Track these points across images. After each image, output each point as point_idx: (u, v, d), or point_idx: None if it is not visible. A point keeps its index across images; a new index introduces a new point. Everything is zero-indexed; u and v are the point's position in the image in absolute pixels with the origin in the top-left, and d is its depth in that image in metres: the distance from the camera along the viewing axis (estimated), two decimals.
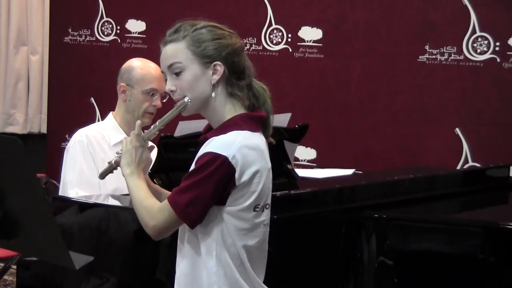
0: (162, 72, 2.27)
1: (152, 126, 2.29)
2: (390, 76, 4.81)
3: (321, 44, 4.99)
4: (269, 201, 2.24)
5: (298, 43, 5.06)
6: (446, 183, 3.67)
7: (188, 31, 2.21)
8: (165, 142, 3.04)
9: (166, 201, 2.14)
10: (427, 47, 4.68)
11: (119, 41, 5.74)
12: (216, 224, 2.14)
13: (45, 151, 6.10)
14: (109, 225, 2.85)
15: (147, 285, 2.83)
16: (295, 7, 5.05)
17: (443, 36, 4.64)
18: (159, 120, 2.28)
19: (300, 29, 5.05)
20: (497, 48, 4.51)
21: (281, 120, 3.41)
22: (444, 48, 4.64)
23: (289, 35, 5.08)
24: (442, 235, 3.05)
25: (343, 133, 4.94)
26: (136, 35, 5.66)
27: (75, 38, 5.90)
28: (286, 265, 2.82)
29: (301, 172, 3.67)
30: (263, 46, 5.10)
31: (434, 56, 4.67)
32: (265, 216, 2.23)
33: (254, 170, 2.13)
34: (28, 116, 6.26)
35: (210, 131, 2.22)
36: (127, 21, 5.70)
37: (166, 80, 2.25)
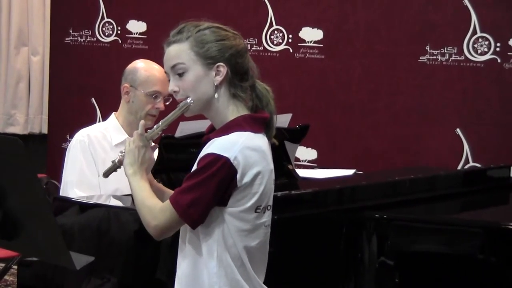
0: (165, 72, 2.26)
1: (155, 126, 2.30)
2: (390, 76, 4.81)
3: (321, 45, 4.99)
4: (270, 203, 2.24)
5: (298, 44, 5.06)
6: (446, 183, 3.67)
7: (192, 32, 2.21)
8: (166, 142, 3.04)
9: (168, 202, 2.14)
10: (427, 48, 4.68)
11: (120, 41, 5.74)
12: (217, 224, 2.15)
13: (46, 151, 6.10)
14: (110, 225, 2.85)
15: (147, 285, 2.83)
16: (295, 7, 5.06)
17: (443, 36, 4.64)
18: (162, 120, 2.29)
19: (300, 29, 5.05)
20: (497, 49, 4.51)
21: (282, 120, 3.40)
22: (445, 48, 4.64)
23: (290, 36, 5.08)
24: (443, 235, 3.05)
25: (343, 133, 4.94)
26: (137, 35, 5.66)
27: (75, 38, 5.91)
28: (287, 266, 2.83)
29: (302, 173, 3.67)
30: (264, 46, 5.10)
31: (434, 57, 4.67)
32: (267, 217, 2.23)
33: (255, 171, 2.13)
34: (28, 116, 6.26)
35: (213, 132, 2.22)
36: (128, 22, 5.70)
37: (169, 80, 2.25)
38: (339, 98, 4.95)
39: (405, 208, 3.24)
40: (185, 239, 2.21)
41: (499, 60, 4.51)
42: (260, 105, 2.25)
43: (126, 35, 5.70)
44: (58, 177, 3.90)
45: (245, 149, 2.12)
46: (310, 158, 5.06)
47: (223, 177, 2.10)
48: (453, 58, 4.62)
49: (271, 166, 2.21)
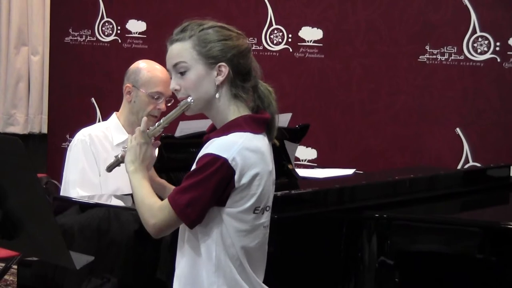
0: (167, 70, 2.26)
1: (156, 124, 2.31)
2: (390, 76, 4.81)
3: (321, 44, 4.99)
4: (269, 204, 2.24)
5: (298, 43, 5.06)
6: (446, 183, 3.67)
7: (195, 31, 2.20)
8: (166, 142, 3.03)
9: (166, 200, 2.14)
10: (427, 47, 4.68)
11: (119, 41, 5.74)
12: (215, 224, 2.15)
13: (46, 151, 6.10)
14: (110, 225, 2.85)
15: (147, 285, 2.83)
16: (295, 7, 5.06)
17: (443, 36, 4.64)
18: (163, 118, 2.30)
19: (300, 29, 5.05)
20: (497, 48, 4.51)
21: (282, 120, 3.38)
22: (445, 48, 4.64)
23: (290, 35, 5.08)
24: (443, 235, 3.05)
25: (343, 133, 4.94)
26: (136, 35, 5.66)
27: (75, 38, 5.91)
28: (287, 265, 2.82)
29: (301, 172, 3.67)
30: (264, 46, 5.10)
31: (434, 56, 4.67)
32: (265, 218, 2.23)
33: (254, 172, 2.13)
34: (28, 116, 6.26)
35: (213, 132, 2.22)
36: (127, 21, 5.70)
37: (171, 78, 2.25)
38: (339, 98, 4.95)
39: (405, 207, 3.24)
40: (184, 238, 2.21)
41: (499, 60, 4.51)
42: (261, 106, 2.25)
43: (126, 35, 5.70)
44: (58, 177, 3.90)
45: (243, 150, 2.12)
46: (310, 158, 5.06)
47: (221, 178, 2.10)
48: (453, 57, 4.62)
49: (270, 167, 2.21)
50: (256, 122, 2.20)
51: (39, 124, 6.29)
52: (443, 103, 4.66)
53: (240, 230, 2.15)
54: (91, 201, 3.07)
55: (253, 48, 5.05)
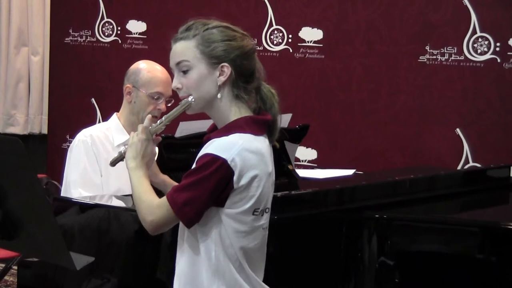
0: (170, 67, 2.26)
1: (158, 121, 2.31)
2: (390, 76, 4.81)
3: (321, 45, 4.99)
4: (269, 206, 2.24)
5: (298, 44, 5.06)
6: (446, 183, 3.67)
7: (199, 30, 2.20)
8: (166, 143, 3.04)
9: (165, 198, 2.14)
10: (427, 48, 4.68)
11: (119, 41, 5.74)
12: (214, 224, 2.15)
13: (46, 151, 6.10)
14: (110, 225, 2.85)
15: (148, 285, 2.83)
16: (295, 7, 5.06)
17: (443, 36, 4.64)
18: (165, 116, 2.30)
19: (300, 29, 5.05)
20: (497, 49, 4.51)
21: (282, 120, 3.38)
22: (445, 48, 4.64)
23: (290, 36, 5.08)
24: (443, 235, 3.05)
25: (343, 133, 4.94)
26: (136, 35, 5.67)
27: (75, 38, 5.91)
28: (287, 266, 2.83)
29: (301, 173, 3.67)
30: (264, 46, 5.10)
31: (434, 57, 4.67)
32: (265, 220, 2.23)
33: (253, 174, 2.13)
34: (28, 116, 6.26)
35: (214, 132, 2.22)
36: (127, 22, 5.70)
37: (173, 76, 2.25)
38: (339, 98, 4.96)
39: (405, 208, 3.24)
40: (184, 238, 2.21)
41: (499, 60, 4.51)
42: (263, 107, 2.24)
43: (126, 35, 5.70)
44: (58, 177, 3.90)
45: (243, 151, 2.11)
46: (310, 158, 5.06)
47: (220, 178, 2.10)
48: (453, 58, 4.62)
49: (270, 169, 2.20)
50: (257, 124, 2.20)
51: (39, 124, 6.29)
52: (443, 103, 4.66)
53: (239, 231, 2.15)
54: (91, 202, 3.07)
55: (256, 51, 5.05)
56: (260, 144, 2.18)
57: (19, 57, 6.18)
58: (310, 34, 5.02)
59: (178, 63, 2.21)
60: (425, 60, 4.69)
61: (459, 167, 4.60)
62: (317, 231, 3.02)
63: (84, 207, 2.99)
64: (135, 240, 2.79)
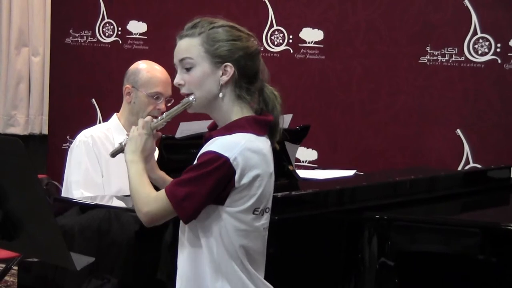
0: (174, 64, 2.26)
1: (159, 118, 2.31)
2: (391, 77, 4.81)
3: (322, 45, 5.00)
4: (269, 206, 2.24)
5: (299, 44, 5.06)
6: (447, 184, 3.67)
7: (205, 28, 2.21)
8: (166, 143, 3.04)
9: (163, 191, 2.14)
10: (428, 48, 4.68)
11: (120, 42, 5.74)
12: (214, 221, 2.15)
13: (46, 152, 6.11)
14: (110, 226, 2.85)
15: (148, 286, 2.83)
16: (296, 8, 5.06)
17: (444, 37, 4.64)
18: (166, 113, 2.30)
19: (301, 30, 5.05)
20: (498, 50, 4.51)
21: (283, 122, 3.40)
22: (445, 49, 4.64)
23: (290, 36, 5.08)
24: (443, 236, 3.05)
25: (344, 134, 4.94)
26: (137, 36, 5.67)
27: (76, 39, 5.91)
28: (287, 266, 2.82)
29: (302, 173, 3.67)
30: (264, 47, 5.10)
31: (435, 57, 4.67)
32: (265, 219, 2.23)
33: (255, 173, 2.13)
34: (29, 117, 6.27)
35: (215, 130, 2.22)
36: (128, 22, 5.70)
37: (176, 72, 2.25)
38: (339, 99, 4.96)
39: (406, 208, 3.24)
40: (184, 236, 2.21)
41: (499, 61, 4.51)
42: (265, 109, 2.25)
43: (127, 36, 5.71)
44: (59, 178, 3.90)
45: (246, 151, 2.12)
46: (310, 159, 5.06)
47: (221, 176, 2.10)
48: (453, 58, 4.62)
49: (271, 169, 2.21)
50: (258, 124, 2.20)
51: (40, 125, 6.29)
52: (444, 104, 4.66)
53: (239, 229, 2.15)
54: (92, 202, 3.07)
55: (260, 52, 5.05)
56: (262, 144, 2.18)
57: (20, 57, 6.18)
58: (311, 35, 5.02)
59: (181, 60, 2.21)
60: (426, 61, 4.69)
61: (459, 168, 4.60)
62: (317, 232, 3.01)
63: (84, 208, 2.99)
64: (136, 241, 2.79)
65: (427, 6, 4.68)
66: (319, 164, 5.00)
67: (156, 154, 3.07)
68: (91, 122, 5.48)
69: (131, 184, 2.21)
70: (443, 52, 4.64)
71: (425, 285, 3.05)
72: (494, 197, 3.75)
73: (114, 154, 2.40)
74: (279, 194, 2.73)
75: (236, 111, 2.21)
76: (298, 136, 3.61)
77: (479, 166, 4.56)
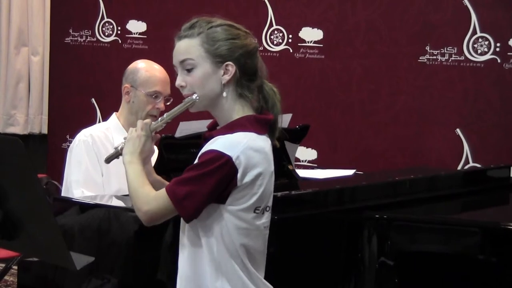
0: (173, 65, 2.25)
1: (159, 119, 2.30)
2: (391, 76, 4.81)
3: (321, 45, 5.00)
4: (270, 204, 2.24)
5: (298, 44, 5.06)
6: (447, 183, 3.67)
7: (204, 28, 2.20)
8: (166, 142, 3.04)
9: (163, 190, 2.14)
10: (427, 48, 4.68)
11: (119, 41, 5.74)
12: (215, 220, 2.15)
13: (46, 151, 6.11)
14: (110, 225, 2.85)
15: (148, 285, 2.83)
16: (295, 7, 5.06)
17: (444, 36, 4.64)
18: (166, 113, 2.28)
19: (300, 29, 5.05)
20: (497, 49, 4.51)
21: (282, 120, 3.40)
22: (445, 48, 4.64)
23: (290, 36, 5.08)
24: (443, 235, 3.05)
25: (344, 133, 4.94)
26: (137, 35, 5.67)
27: (76, 38, 5.91)
28: (287, 266, 2.82)
29: (302, 173, 3.67)
30: (264, 47, 5.10)
31: (434, 57, 4.67)
32: (266, 218, 2.23)
33: (257, 172, 2.13)
34: (29, 116, 6.26)
35: (216, 129, 2.22)
36: (127, 22, 5.70)
37: (177, 74, 2.24)
38: (339, 98, 4.96)
39: (406, 208, 3.24)
40: (185, 236, 2.21)
41: (499, 60, 4.51)
42: (265, 106, 2.25)
43: (126, 35, 5.71)
44: (58, 177, 3.90)
45: (248, 150, 2.12)
46: (310, 158, 5.06)
47: (223, 175, 2.10)
48: (453, 58, 4.62)
49: (272, 168, 2.21)
50: (259, 123, 2.20)
51: (39, 124, 6.28)
52: (443, 104, 4.66)
53: (240, 228, 2.15)
54: (92, 202, 3.07)
55: (258, 50, 5.05)
56: (263, 142, 2.18)
57: (19, 57, 6.17)
58: (310, 34, 5.02)
59: (182, 61, 2.21)
60: (425, 61, 4.69)
61: (459, 168, 4.60)
62: (317, 231, 3.02)
63: (84, 207, 2.99)
64: (136, 240, 2.79)
65: (426, 6, 4.69)
66: (319, 163, 5.00)
67: (156, 154, 3.07)
68: (91, 121, 5.48)
69: (130, 184, 2.20)
70: (443, 51, 4.65)
71: (425, 284, 3.05)
72: (494, 196, 3.75)
73: (108, 160, 2.38)
74: (279, 194, 2.73)
75: (238, 109, 2.20)
76: (297, 135, 3.61)
77: (478, 165, 4.56)
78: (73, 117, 5.87)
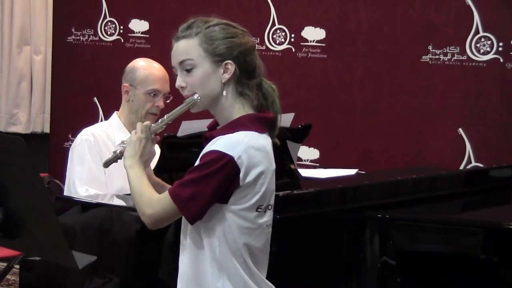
0: (172, 67, 2.25)
1: (160, 120, 2.29)
2: (393, 76, 4.81)
3: (324, 44, 4.99)
4: (272, 202, 2.24)
5: (301, 43, 5.06)
6: (449, 183, 3.67)
7: (201, 28, 2.20)
8: (168, 142, 3.04)
9: (166, 193, 2.14)
10: (430, 47, 4.68)
11: (122, 41, 5.74)
12: (218, 221, 2.15)
13: (48, 150, 6.11)
14: (112, 225, 2.85)
15: (150, 285, 2.83)
16: (298, 7, 5.05)
17: (446, 36, 4.64)
18: (167, 115, 2.28)
19: (303, 29, 5.05)
20: (500, 49, 4.50)
21: (284, 120, 3.40)
22: (447, 48, 4.64)
23: (292, 35, 5.08)
24: (445, 235, 3.05)
25: (346, 133, 4.94)
26: (139, 35, 5.67)
27: (78, 37, 5.91)
28: (289, 265, 2.83)
29: (304, 172, 3.67)
30: (266, 46, 5.10)
31: (437, 56, 4.66)
32: (268, 217, 2.23)
33: (259, 171, 2.13)
34: (31, 115, 6.26)
35: (217, 129, 2.22)
36: (130, 21, 5.70)
37: (176, 75, 2.24)
38: (341, 98, 4.95)
39: (407, 208, 3.24)
40: (186, 235, 2.21)
41: (501, 60, 4.51)
42: (265, 104, 2.25)
43: (129, 34, 5.71)
44: (60, 177, 3.90)
45: (249, 149, 2.12)
46: (312, 158, 5.06)
47: (226, 175, 2.10)
48: (455, 57, 4.62)
49: (274, 166, 2.21)
50: (260, 121, 2.20)
51: (41, 123, 6.29)
52: (446, 104, 4.66)
53: (242, 227, 2.15)
54: (93, 201, 3.07)
55: (256, 48, 5.05)
56: (264, 141, 2.18)
57: (22, 56, 6.18)
58: (313, 34, 5.02)
59: (181, 62, 2.21)
60: (428, 60, 4.69)
61: (461, 167, 4.60)
62: (319, 231, 3.02)
63: (86, 207, 2.99)
64: (137, 240, 2.79)
65: (428, 5, 4.68)
66: (321, 163, 5.00)
67: (158, 154, 3.07)
68: (93, 120, 5.48)
69: (133, 188, 2.21)
70: (445, 51, 4.64)
71: (426, 284, 3.05)
72: (496, 196, 3.75)
73: (107, 164, 2.38)
74: (281, 193, 2.73)
75: (238, 108, 2.21)
76: (299, 135, 3.61)
77: (481, 165, 4.56)
78: (75, 116, 5.87)
